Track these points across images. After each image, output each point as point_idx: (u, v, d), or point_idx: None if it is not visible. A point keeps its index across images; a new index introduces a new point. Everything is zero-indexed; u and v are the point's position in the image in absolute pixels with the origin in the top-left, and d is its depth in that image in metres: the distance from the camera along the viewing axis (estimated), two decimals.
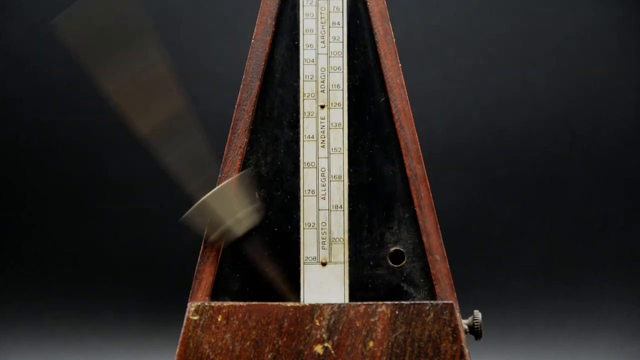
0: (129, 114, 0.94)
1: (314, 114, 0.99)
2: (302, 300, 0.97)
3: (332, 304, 0.94)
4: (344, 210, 0.98)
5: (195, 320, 0.94)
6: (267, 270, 0.97)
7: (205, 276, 0.97)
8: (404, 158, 0.98)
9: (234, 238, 0.97)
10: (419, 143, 0.98)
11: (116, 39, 0.93)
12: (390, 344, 0.93)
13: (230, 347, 0.93)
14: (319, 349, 0.93)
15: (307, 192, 0.98)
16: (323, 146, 0.99)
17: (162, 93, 0.95)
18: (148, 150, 0.94)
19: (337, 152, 0.99)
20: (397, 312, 0.93)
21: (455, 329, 0.93)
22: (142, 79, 0.94)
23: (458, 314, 0.94)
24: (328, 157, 0.99)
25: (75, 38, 0.94)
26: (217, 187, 0.96)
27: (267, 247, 0.98)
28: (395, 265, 0.97)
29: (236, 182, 0.97)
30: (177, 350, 0.93)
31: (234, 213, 0.96)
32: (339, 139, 0.99)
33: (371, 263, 0.97)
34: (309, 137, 0.99)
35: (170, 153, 0.95)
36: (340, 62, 1.00)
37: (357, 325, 0.93)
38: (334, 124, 0.99)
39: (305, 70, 1.00)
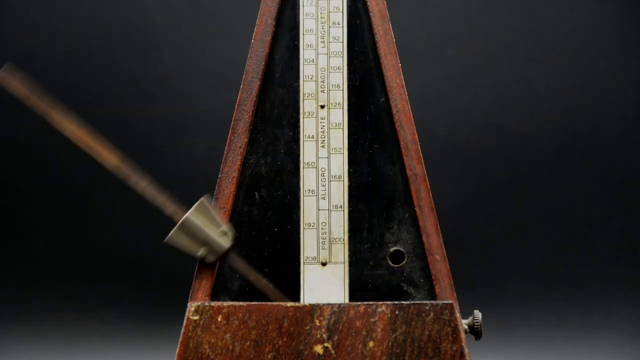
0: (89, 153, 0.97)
1: (314, 114, 0.99)
2: (302, 300, 0.97)
3: (332, 304, 0.94)
4: (344, 210, 0.98)
5: (195, 320, 0.94)
6: (255, 281, 0.97)
7: (206, 276, 0.96)
8: (404, 158, 0.98)
9: (222, 252, 0.96)
10: (419, 143, 0.98)
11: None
12: (390, 344, 0.92)
13: (230, 347, 0.93)
14: (319, 349, 0.93)
15: (307, 192, 0.98)
16: (323, 146, 0.99)
17: (94, 154, 0.96)
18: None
19: (337, 152, 0.99)
20: (397, 312, 0.93)
21: (455, 329, 0.93)
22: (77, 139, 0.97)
23: (458, 314, 0.94)
24: (328, 157, 0.99)
25: (21, 89, 0.97)
26: (196, 203, 0.95)
27: (267, 247, 0.98)
28: (395, 265, 0.97)
29: (209, 200, 0.96)
30: (177, 350, 0.93)
31: (218, 225, 0.96)
32: (339, 139, 0.99)
33: (371, 263, 0.97)
34: (309, 137, 0.99)
35: (135, 187, 0.97)
36: (340, 62, 1.00)
37: (357, 325, 0.93)
38: (334, 124, 0.99)
39: (305, 70, 1.00)
